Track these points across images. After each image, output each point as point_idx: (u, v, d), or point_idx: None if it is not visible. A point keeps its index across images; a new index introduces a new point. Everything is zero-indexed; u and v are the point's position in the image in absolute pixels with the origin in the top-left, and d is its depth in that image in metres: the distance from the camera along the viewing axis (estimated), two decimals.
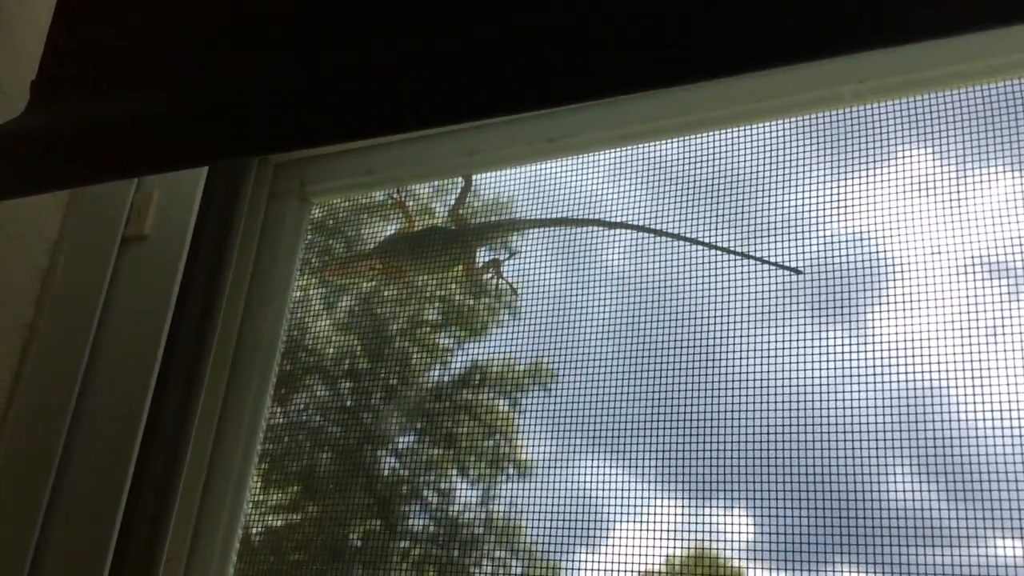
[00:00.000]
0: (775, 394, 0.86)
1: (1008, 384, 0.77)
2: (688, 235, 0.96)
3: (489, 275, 1.08)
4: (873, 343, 0.84)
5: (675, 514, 0.86)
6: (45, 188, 1.05)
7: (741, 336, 0.89)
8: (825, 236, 0.89)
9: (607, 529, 0.88)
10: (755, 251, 0.92)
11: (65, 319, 1.12)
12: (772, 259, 0.91)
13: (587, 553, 0.88)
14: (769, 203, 0.93)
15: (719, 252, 0.93)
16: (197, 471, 1.06)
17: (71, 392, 1.08)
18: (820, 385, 0.84)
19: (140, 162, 0.90)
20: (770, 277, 0.90)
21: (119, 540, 1.00)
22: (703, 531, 0.84)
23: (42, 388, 1.09)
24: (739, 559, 0.83)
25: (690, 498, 0.86)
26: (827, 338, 0.86)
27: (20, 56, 1.12)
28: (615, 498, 0.89)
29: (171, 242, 1.13)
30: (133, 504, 1.01)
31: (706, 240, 0.95)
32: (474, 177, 1.15)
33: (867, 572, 0.77)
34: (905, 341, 0.82)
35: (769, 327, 0.88)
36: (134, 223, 1.16)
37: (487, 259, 1.09)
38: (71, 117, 0.90)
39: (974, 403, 0.78)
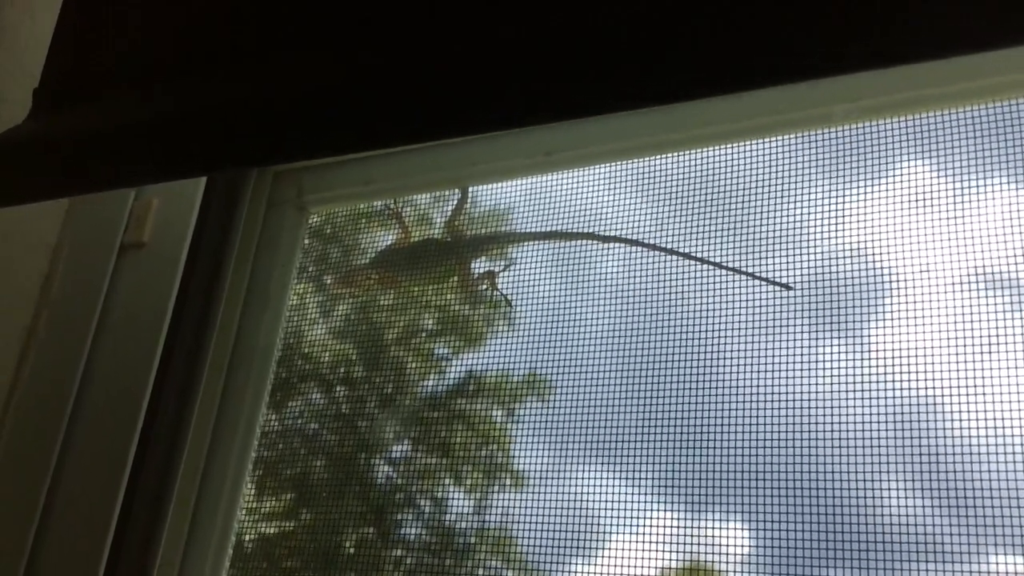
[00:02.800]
0: (772, 407, 0.86)
1: (1005, 399, 0.77)
2: (684, 250, 0.97)
3: (484, 287, 1.08)
4: (870, 357, 0.84)
5: (670, 526, 0.85)
6: (46, 196, 1.05)
7: (738, 349, 0.89)
8: (823, 251, 0.90)
9: (601, 541, 0.88)
10: (753, 265, 0.92)
11: (63, 324, 1.13)
12: (764, 274, 0.91)
13: (581, 564, 0.88)
14: (766, 218, 0.94)
15: (711, 267, 0.94)
16: (192, 478, 1.07)
17: (68, 396, 1.08)
18: (817, 399, 0.84)
19: (140, 171, 0.91)
20: (768, 290, 0.91)
21: (113, 545, 1.00)
22: (698, 544, 0.84)
23: (40, 391, 1.09)
24: (734, 572, 0.82)
25: (685, 510, 0.86)
26: (824, 352, 0.86)
27: (23, 64, 1.13)
28: (609, 510, 0.89)
29: (169, 249, 1.14)
30: (128, 509, 1.01)
31: (699, 255, 0.95)
32: (470, 190, 1.16)
33: None
34: (902, 356, 0.82)
35: (766, 340, 0.88)
36: (133, 230, 1.16)
37: (482, 271, 1.09)
38: (73, 125, 0.91)
39: (971, 418, 0.78)
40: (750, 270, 0.92)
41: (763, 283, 0.91)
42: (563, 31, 0.68)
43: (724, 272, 0.93)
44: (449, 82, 0.71)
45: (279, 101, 0.80)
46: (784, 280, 0.90)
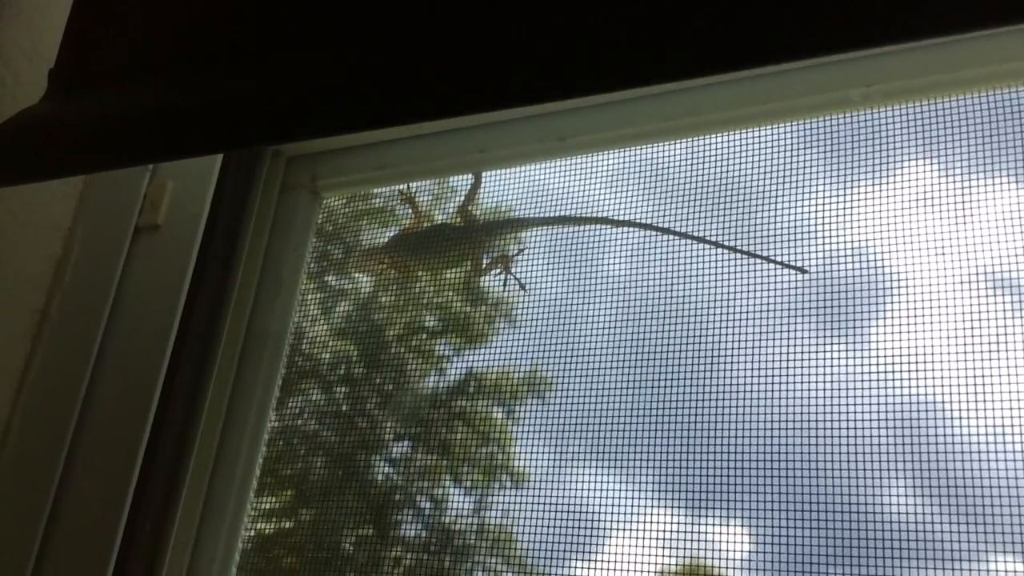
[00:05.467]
0: (774, 406, 0.85)
1: (1010, 399, 0.76)
2: (694, 235, 0.96)
3: (498, 271, 1.08)
4: (875, 355, 0.84)
5: (670, 526, 0.85)
6: (62, 174, 1.06)
7: (740, 347, 0.89)
8: (828, 245, 0.89)
9: (602, 540, 0.88)
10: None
11: (77, 306, 1.13)
12: (778, 259, 0.91)
13: (581, 564, 0.88)
14: (774, 209, 0.93)
15: (725, 251, 0.94)
16: (205, 458, 1.08)
17: (82, 379, 1.09)
18: (820, 396, 0.84)
19: (154, 149, 0.91)
20: (770, 288, 0.90)
21: (127, 525, 1.01)
22: (699, 543, 0.84)
23: (53, 374, 1.10)
24: (734, 573, 0.82)
25: (685, 510, 0.86)
26: (828, 350, 0.85)
27: (39, 45, 1.13)
28: (610, 509, 0.89)
29: (184, 232, 1.14)
30: (142, 490, 1.02)
31: (712, 239, 0.95)
32: (484, 175, 1.16)
33: None
34: (907, 353, 0.82)
35: (768, 338, 0.88)
36: (147, 213, 1.17)
37: (495, 255, 1.09)
38: (88, 105, 0.91)
39: (975, 419, 0.77)
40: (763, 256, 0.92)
41: (770, 274, 0.90)
42: (576, 3, 0.67)
43: (729, 268, 0.93)
44: (460, 56, 0.70)
45: (293, 79, 0.80)
46: (798, 266, 0.90)
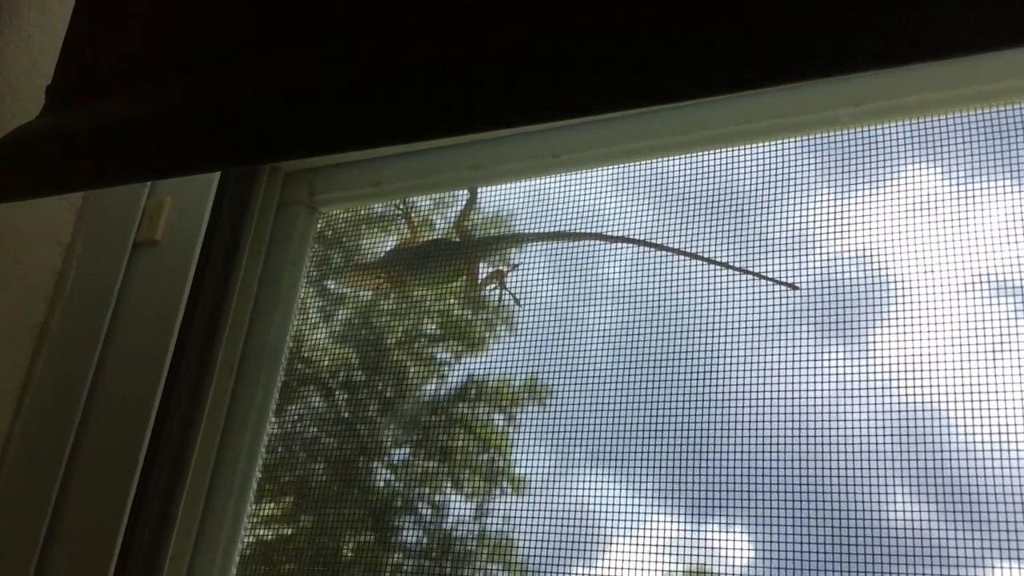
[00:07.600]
0: (775, 412, 0.86)
1: (1011, 405, 0.77)
2: (688, 251, 0.97)
3: (492, 286, 1.09)
4: (875, 362, 0.84)
5: (671, 532, 0.86)
6: (58, 190, 1.07)
7: (741, 353, 0.89)
8: (827, 254, 0.89)
9: (602, 546, 0.88)
10: (756, 268, 0.93)
11: (77, 320, 1.14)
12: (770, 274, 0.92)
13: (582, 570, 0.88)
14: (771, 221, 0.94)
15: (718, 267, 0.94)
16: (203, 471, 1.08)
17: (81, 392, 1.09)
18: (821, 404, 0.84)
19: (151, 166, 0.91)
20: (771, 294, 0.90)
21: (125, 537, 1.01)
22: (700, 549, 0.84)
23: (53, 387, 1.10)
24: None
25: (687, 516, 0.86)
26: (828, 356, 0.86)
27: (37, 62, 1.14)
28: (611, 515, 0.89)
29: (182, 248, 1.15)
30: (139, 502, 1.03)
31: (706, 255, 0.96)
32: (479, 191, 1.17)
33: None
34: (907, 361, 0.82)
35: (770, 345, 0.88)
36: (146, 228, 1.17)
37: (490, 270, 1.10)
38: (85, 121, 0.92)
39: (976, 424, 0.77)
40: (755, 272, 0.92)
41: (768, 283, 0.91)
42: (569, 27, 0.68)
43: (728, 275, 0.93)
44: (456, 77, 0.71)
45: (288, 96, 0.80)
46: (789, 282, 0.90)
